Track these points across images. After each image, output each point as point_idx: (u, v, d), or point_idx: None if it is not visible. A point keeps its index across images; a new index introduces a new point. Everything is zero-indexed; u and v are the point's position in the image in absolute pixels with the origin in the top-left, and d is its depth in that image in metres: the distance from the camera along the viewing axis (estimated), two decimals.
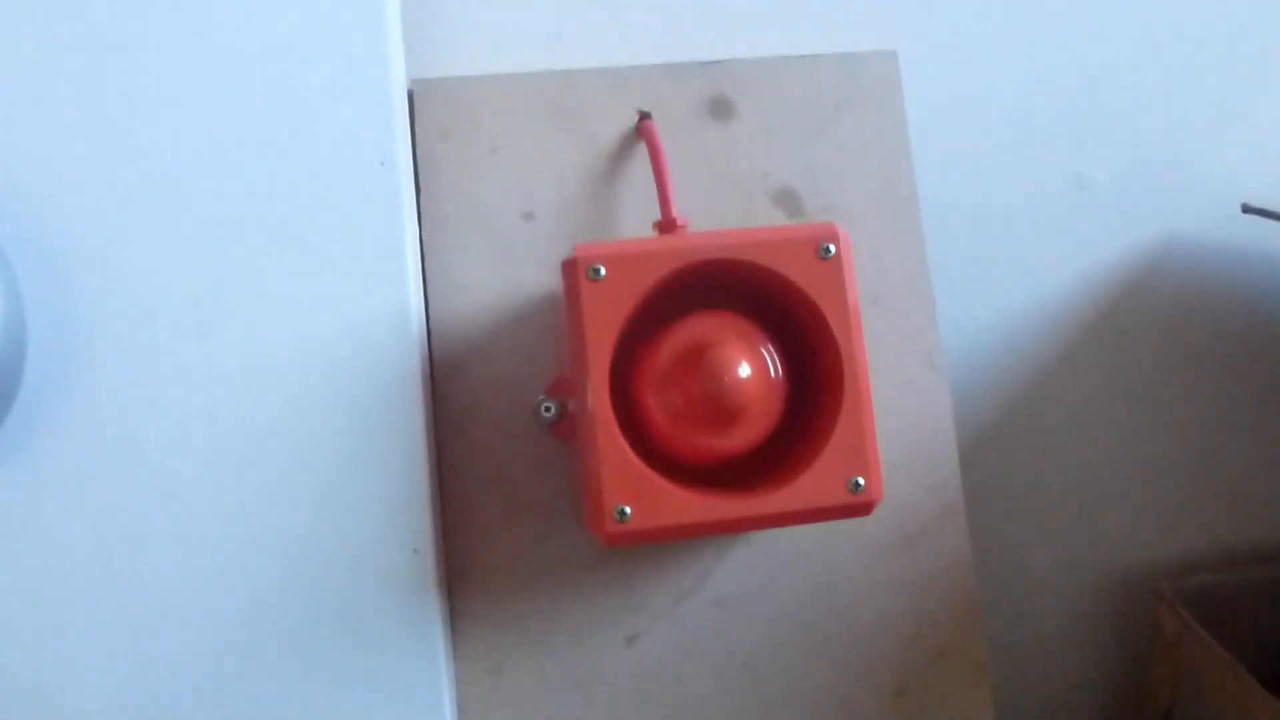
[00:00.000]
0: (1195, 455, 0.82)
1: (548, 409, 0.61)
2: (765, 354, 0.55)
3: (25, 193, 0.55)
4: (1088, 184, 0.77)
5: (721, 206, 0.67)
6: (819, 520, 0.53)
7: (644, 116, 0.66)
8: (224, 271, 0.55)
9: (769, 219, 0.67)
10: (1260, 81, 0.80)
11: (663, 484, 0.51)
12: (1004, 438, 0.79)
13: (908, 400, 0.67)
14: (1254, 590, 0.80)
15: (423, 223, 0.63)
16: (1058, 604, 0.83)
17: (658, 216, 0.62)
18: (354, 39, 0.57)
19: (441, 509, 0.61)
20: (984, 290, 0.77)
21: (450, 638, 0.61)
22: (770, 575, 0.65)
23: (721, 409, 0.52)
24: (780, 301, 0.55)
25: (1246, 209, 0.73)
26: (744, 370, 0.52)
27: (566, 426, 0.61)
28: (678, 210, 0.62)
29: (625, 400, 0.55)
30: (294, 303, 0.56)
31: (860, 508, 0.53)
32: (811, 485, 0.52)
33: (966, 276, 0.75)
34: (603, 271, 0.51)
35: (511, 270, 0.64)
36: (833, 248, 0.53)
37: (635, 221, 0.66)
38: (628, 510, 0.51)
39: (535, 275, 0.64)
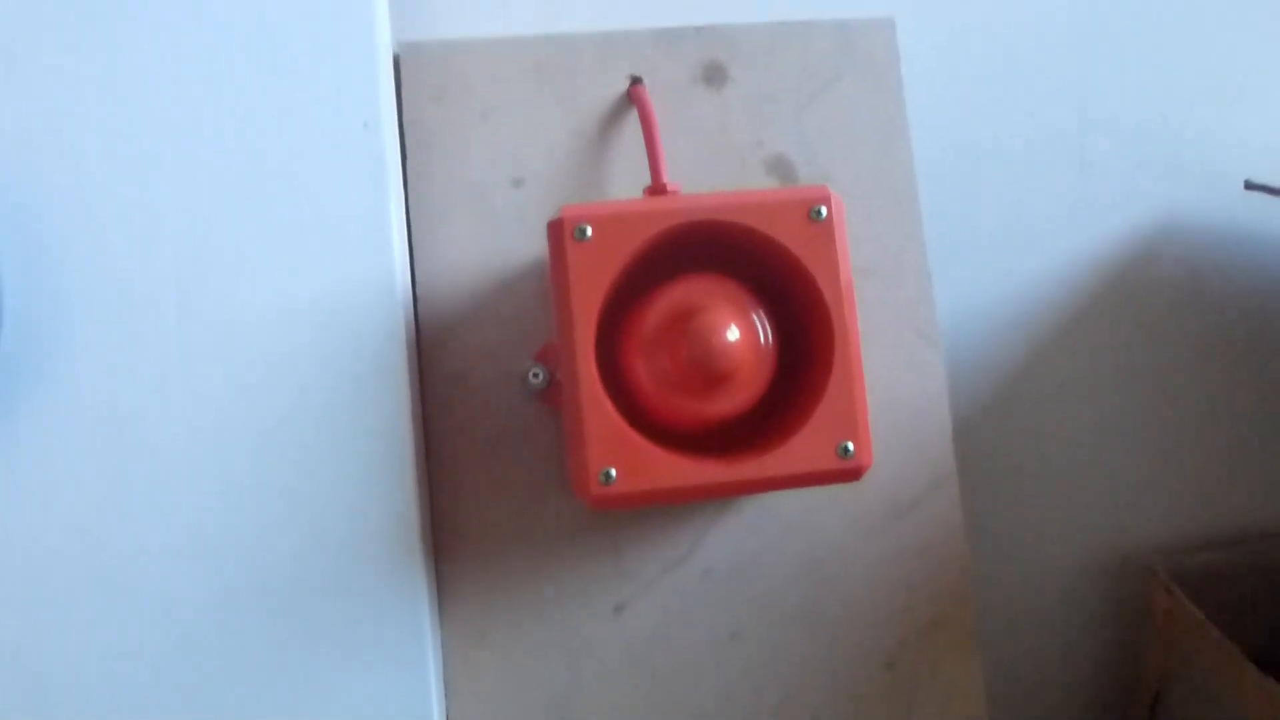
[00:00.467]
0: (1192, 434, 0.81)
1: (536, 376, 0.61)
2: (755, 318, 0.54)
3: (1, 157, 0.54)
4: (1089, 158, 0.76)
5: (714, 174, 0.66)
6: (808, 485, 0.53)
7: (635, 82, 0.66)
8: (203, 237, 0.54)
9: (762, 188, 0.66)
10: (1264, 57, 0.79)
11: (649, 447, 0.51)
12: (998, 413, 0.79)
13: (902, 372, 0.66)
14: (1247, 570, 0.80)
15: (409, 189, 0.63)
16: (1049, 581, 0.82)
17: (649, 183, 0.61)
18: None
19: (428, 477, 0.61)
20: (981, 264, 0.77)
21: (436, 605, 0.60)
22: (760, 546, 0.64)
23: (709, 373, 0.51)
24: (771, 265, 0.55)
25: (1249, 185, 0.73)
26: (732, 334, 0.51)
27: (555, 394, 0.60)
28: (669, 177, 0.61)
29: (612, 364, 0.54)
30: (276, 269, 0.55)
31: (849, 473, 0.52)
32: (800, 449, 0.52)
33: (964, 250, 0.75)
34: (589, 232, 0.51)
35: (500, 237, 0.64)
36: (824, 210, 0.52)
37: (626, 188, 0.65)
38: (613, 473, 0.50)
39: (524, 242, 0.64)
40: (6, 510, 0.53)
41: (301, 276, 0.56)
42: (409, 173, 0.63)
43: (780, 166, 0.67)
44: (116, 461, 0.54)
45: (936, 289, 0.67)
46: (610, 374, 0.55)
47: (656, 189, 0.60)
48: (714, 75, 0.67)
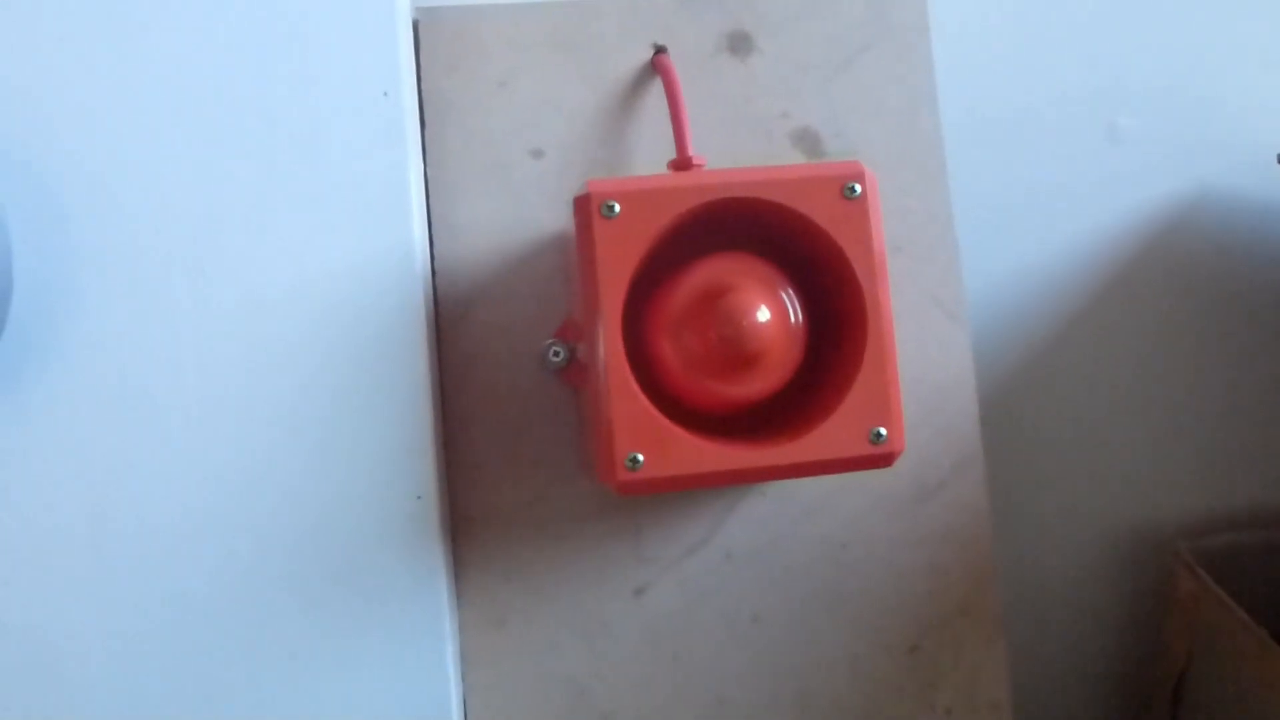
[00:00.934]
0: (1220, 412, 0.80)
1: (556, 354, 0.59)
2: (785, 298, 0.52)
3: (13, 124, 0.52)
4: (1120, 132, 0.74)
5: (739, 146, 0.64)
6: (838, 471, 0.51)
7: (659, 51, 0.64)
8: (219, 205, 0.53)
9: (788, 160, 0.64)
10: None
11: (677, 431, 0.49)
12: (1022, 391, 0.77)
13: (927, 350, 0.64)
14: (1273, 551, 0.79)
15: (427, 160, 0.61)
16: (1071, 562, 0.81)
17: (672, 155, 0.59)
18: None
19: (446, 456, 0.59)
20: (1007, 238, 0.75)
21: (454, 587, 0.59)
22: (783, 529, 0.63)
23: (738, 355, 0.50)
24: (801, 243, 0.53)
25: None
26: (762, 315, 0.50)
27: (575, 372, 0.59)
28: (694, 150, 0.59)
29: (638, 344, 0.53)
30: (292, 239, 0.53)
31: (881, 459, 0.51)
32: (831, 435, 0.50)
33: (991, 224, 0.73)
34: (617, 208, 0.49)
35: (519, 210, 0.62)
36: (858, 187, 0.51)
37: (649, 160, 0.63)
38: (640, 458, 0.49)
39: (544, 215, 0.62)
40: (19, 492, 0.52)
41: (319, 249, 0.54)
42: (427, 143, 0.61)
43: (807, 139, 0.65)
44: (129, 441, 0.53)
45: (962, 263, 0.65)
46: (635, 354, 0.53)
47: (681, 163, 0.58)
48: (739, 44, 0.65)
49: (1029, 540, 0.80)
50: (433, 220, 0.61)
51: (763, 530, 0.63)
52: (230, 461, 0.53)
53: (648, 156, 0.63)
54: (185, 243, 0.53)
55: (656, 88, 0.63)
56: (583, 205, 0.50)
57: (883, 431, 0.50)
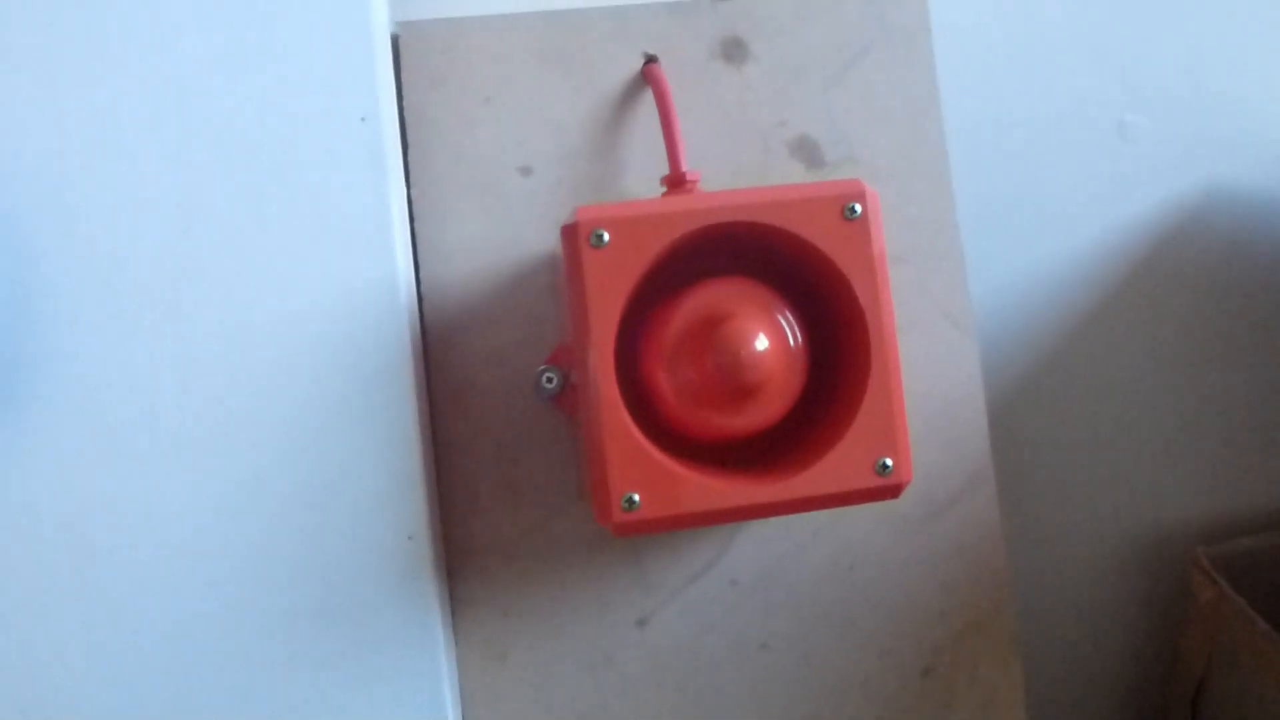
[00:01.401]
0: (1234, 414, 0.78)
1: (549, 380, 0.57)
2: (784, 323, 0.50)
3: None
4: (1129, 130, 0.72)
5: (735, 158, 0.62)
6: (844, 504, 0.49)
7: (650, 60, 0.61)
8: (194, 240, 0.51)
9: (786, 171, 0.62)
10: None
11: (675, 469, 0.47)
12: (1034, 398, 0.75)
13: (934, 364, 0.62)
14: None
15: (411, 180, 0.59)
16: (1089, 570, 0.79)
17: (665, 170, 0.57)
18: None
19: (439, 488, 0.58)
20: (1015, 243, 0.73)
21: (452, 624, 0.58)
22: (788, 552, 0.61)
23: (737, 385, 0.48)
24: (801, 264, 0.51)
25: None
26: (761, 343, 0.48)
27: (569, 398, 0.57)
28: (688, 163, 0.57)
29: (633, 374, 0.51)
30: (271, 273, 0.51)
31: (888, 490, 0.49)
32: (836, 468, 0.48)
33: (997, 229, 0.71)
34: (606, 237, 0.47)
35: (509, 229, 0.60)
36: (859, 207, 0.48)
37: (642, 175, 0.61)
38: (637, 498, 0.47)
39: (534, 234, 0.60)
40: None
41: (299, 282, 0.52)
42: (410, 163, 0.59)
43: (805, 148, 0.62)
44: (110, 479, 0.51)
45: (968, 270, 0.63)
46: (630, 383, 0.51)
47: (675, 178, 0.56)
48: (734, 51, 0.63)
49: (1044, 550, 0.78)
50: (418, 243, 0.59)
51: (768, 554, 0.61)
52: (210, 504, 0.51)
53: (641, 171, 0.61)
54: (162, 278, 0.51)
55: (648, 99, 0.61)
56: (570, 235, 0.47)
57: (889, 462, 0.48)
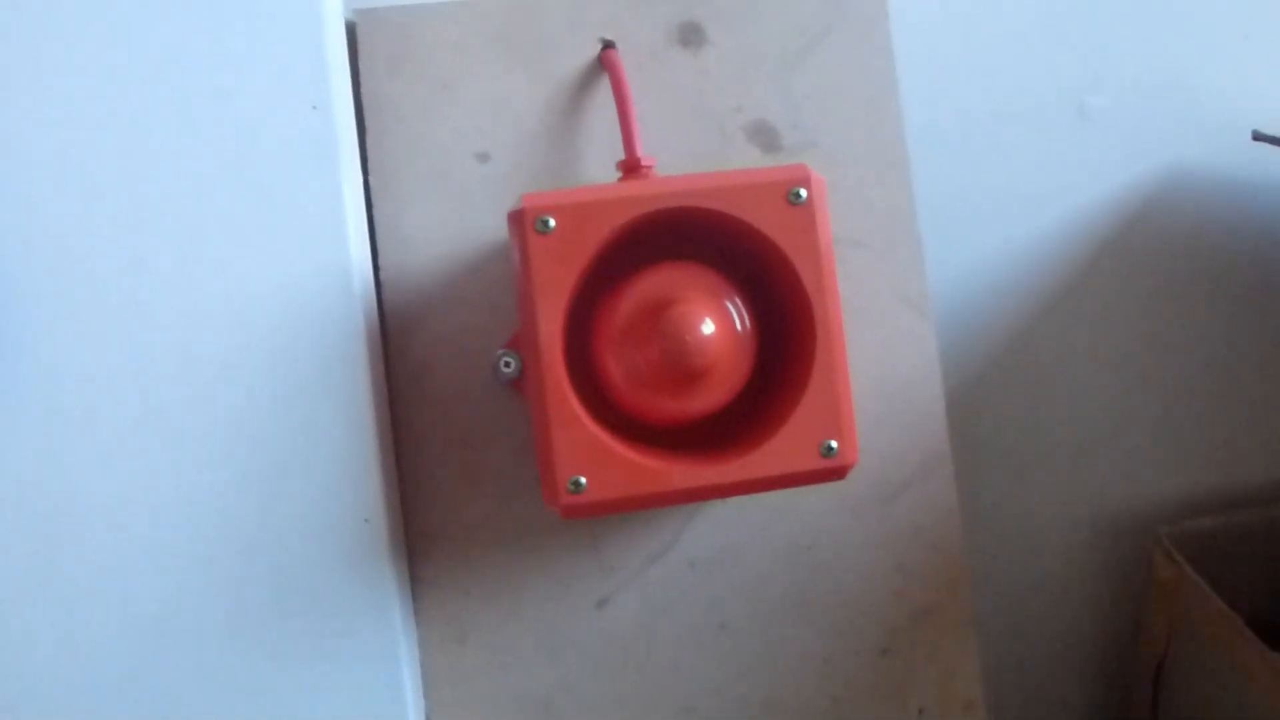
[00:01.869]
0: (1198, 395, 0.79)
1: (507, 364, 0.57)
2: (732, 308, 0.51)
3: None
4: (1090, 112, 0.72)
5: (692, 143, 0.62)
6: (790, 486, 0.50)
7: (607, 46, 0.61)
8: (145, 230, 0.51)
9: (743, 156, 0.62)
10: (1273, 4, 0.74)
11: (621, 452, 0.48)
12: (995, 382, 0.76)
13: (891, 347, 0.63)
14: (1253, 534, 0.78)
15: (370, 168, 0.59)
16: (1053, 549, 0.80)
17: (622, 155, 0.57)
18: None
19: (399, 472, 0.58)
20: (975, 226, 0.73)
21: (412, 606, 0.58)
22: (746, 534, 0.62)
23: (684, 370, 0.48)
24: (750, 248, 0.51)
25: (1258, 136, 0.69)
26: (708, 328, 0.48)
27: (527, 382, 0.57)
28: (644, 149, 0.57)
29: (582, 355, 0.51)
30: (224, 261, 0.52)
31: (833, 472, 0.49)
32: (781, 449, 0.49)
33: (956, 212, 0.71)
34: (552, 223, 0.47)
35: (467, 216, 0.60)
36: (804, 192, 0.49)
37: (599, 161, 0.61)
38: (583, 481, 0.47)
39: (492, 221, 0.60)
40: None
41: (251, 271, 0.53)
42: (368, 150, 0.59)
43: (763, 133, 0.63)
44: (63, 464, 0.52)
45: (927, 255, 0.63)
46: (580, 366, 0.52)
47: (630, 164, 0.56)
48: (690, 36, 0.63)
49: (1008, 530, 0.78)
50: (377, 230, 0.59)
51: (726, 536, 0.62)
52: (169, 491, 0.52)
53: (598, 157, 0.61)
54: (113, 268, 0.51)
55: (605, 85, 0.61)
56: (516, 221, 0.48)
57: (834, 444, 0.49)
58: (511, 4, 0.61)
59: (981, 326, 0.75)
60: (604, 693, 0.61)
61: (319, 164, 0.52)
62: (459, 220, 0.60)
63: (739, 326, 0.50)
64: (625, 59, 0.60)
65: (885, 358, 0.63)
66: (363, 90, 0.59)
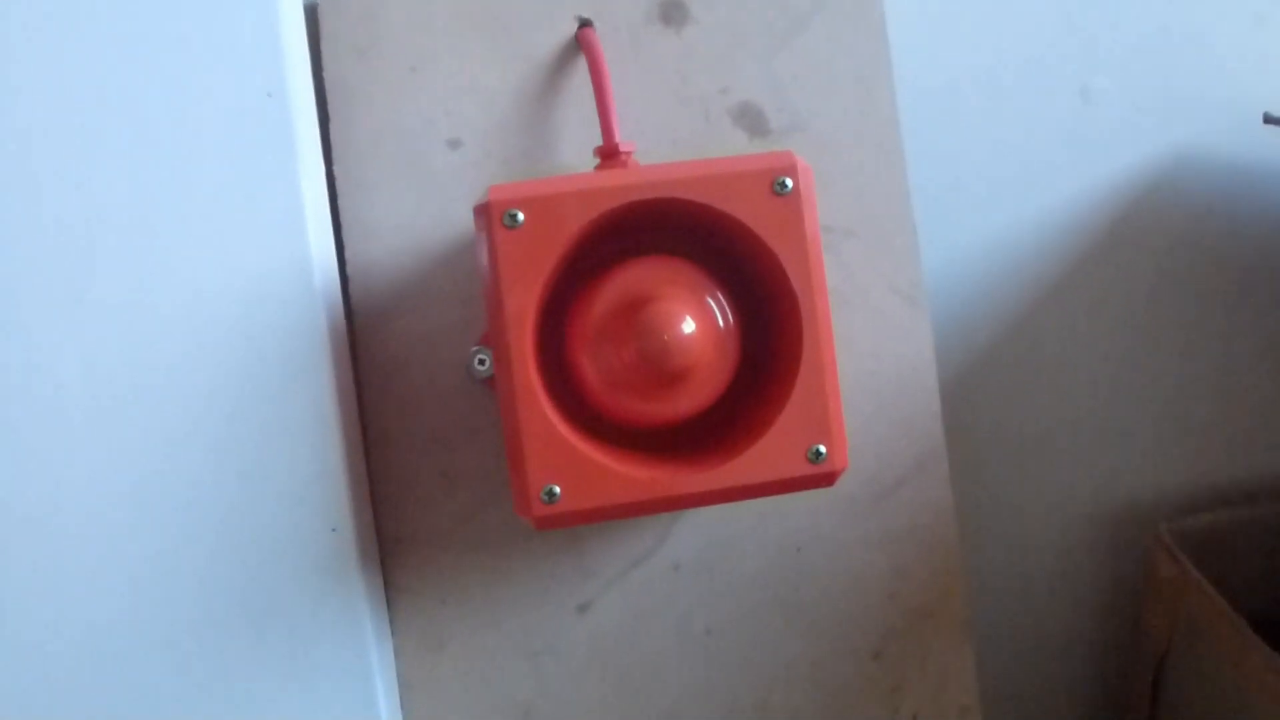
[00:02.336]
0: (1200, 388, 0.77)
1: (481, 361, 0.55)
2: (713, 304, 0.48)
3: None
4: (1093, 93, 0.69)
5: (674, 128, 0.59)
6: (776, 493, 0.47)
7: (584, 24, 0.58)
8: (93, 226, 0.48)
9: (729, 140, 0.59)
10: None
11: (596, 459, 0.45)
12: (991, 374, 0.74)
13: (884, 341, 0.60)
14: (1256, 529, 0.76)
15: (334, 156, 0.56)
16: (1053, 546, 0.79)
17: (602, 141, 0.54)
18: None
19: (370, 475, 0.56)
20: (971, 213, 0.70)
21: (385, 614, 0.56)
22: (734, 535, 0.59)
23: (663, 371, 0.46)
24: (733, 240, 0.49)
25: (1269, 119, 0.66)
26: (688, 326, 0.45)
27: (498, 385, 0.55)
28: (624, 134, 0.55)
29: (557, 354, 0.49)
30: (176, 259, 0.49)
31: (821, 479, 0.47)
32: (766, 455, 0.46)
33: (951, 199, 0.69)
34: (520, 218, 0.44)
35: (438, 205, 0.57)
36: (790, 182, 0.46)
37: (576, 147, 0.58)
38: (557, 490, 0.45)
39: (464, 210, 0.57)
40: None
41: (205, 268, 0.50)
42: (332, 137, 0.57)
43: (749, 116, 0.60)
44: (11, 478, 0.49)
45: (922, 242, 0.61)
46: (554, 365, 0.49)
47: (608, 151, 0.54)
48: (672, 13, 0.60)
49: (1006, 527, 0.76)
50: (343, 221, 0.56)
51: (712, 538, 0.59)
52: (120, 501, 0.49)
53: (576, 142, 0.58)
54: (60, 266, 0.48)
55: (583, 65, 0.58)
56: (483, 215, 0.45)
57: (822, 449, 0.46)
58: None
59: (978, 317, 0.73)
60: (586, 700, 0.59)
61: (275, 154, 0.49)
62: (429, 210, 0.57)
63: (721, 324, 0.48)
64: (604, 38, 0.58)
65: (877, 351, 0.60)
66: (325, 75, 0.57)
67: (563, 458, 0.45)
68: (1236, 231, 0.73)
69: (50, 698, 0.49)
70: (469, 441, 0.57)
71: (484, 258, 0.46)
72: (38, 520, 0.49)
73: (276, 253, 0.49)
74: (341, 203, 0.56)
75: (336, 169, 0.56)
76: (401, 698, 0.57)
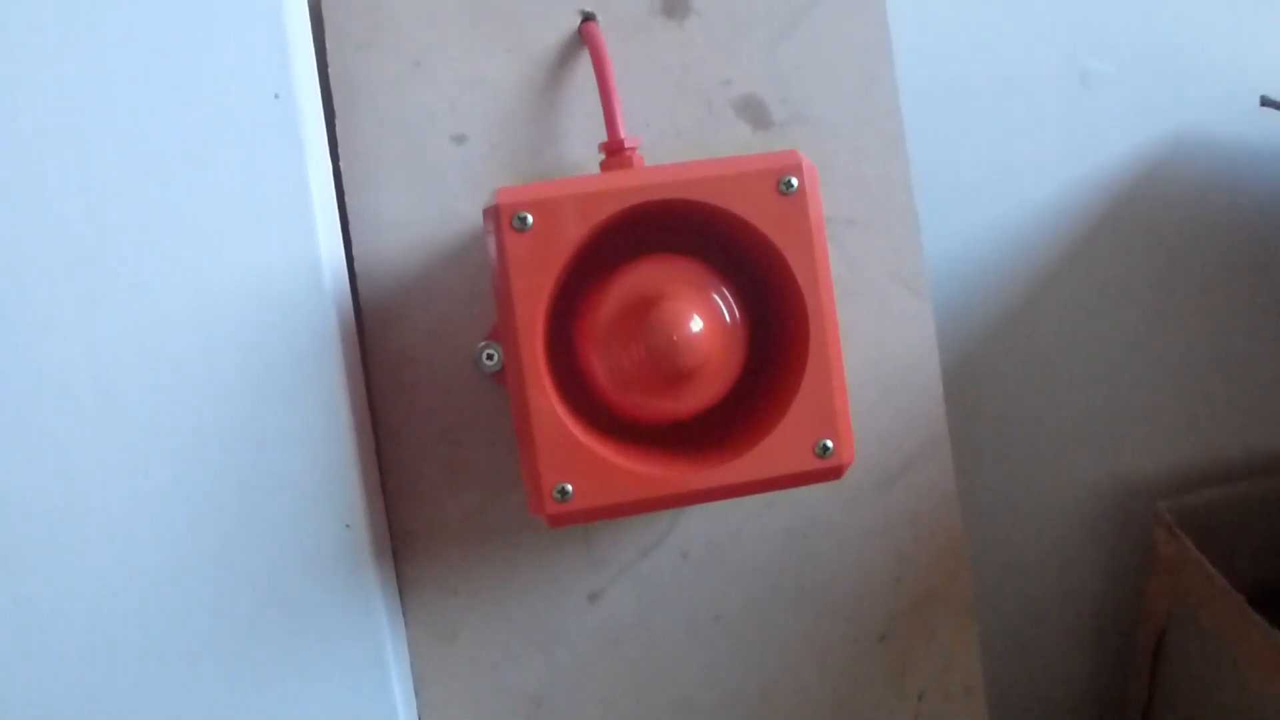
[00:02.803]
0: (1198, 367, 0.78)
1: (490, 356, 0.55)
2: (720, 301, 0.49)
3: None
4: (1093, 78, 0.70)
5: (678, 120, 0.59)
6: (784, 487, 0.48)
7: (587, 18, 0.59)
8: (104, 228, 0.48)
9: (732, 132, 0.60)
10: None
11: (608, 457, 0.46)
12: (994, 359, 0.75)
13: (886, 329, 0.61)
14: (1255, 504, 0.77)
15: (339, 153, 0.56)
16: (1054, 525, 0.80)
17: (606, 135, 0.55)
18: None
19: (381, 469, 0.56)
20: (973, 201, 0.71)
21: (399, 607, 0.57)
22: (740, 523, 0.60)
23: (672, 369, 0.46)
24: (739, 239, 0.49)
25: (1266, 102, 0.67)
26: (695, 326, 0.46)
27: (509, 387, 0.55)
28: (628, 127, 0.55)
29: (567, 352, 0.49)
30: (187, 259, 0.49)
31: (829, 472, 0.48)
32: (774, 451, 0.47)
33: (953, 187, 0.69)
34: (530, 220, 0.45)
35: (444, 200, 0.58)
36: (795, 181, 0.46)
37: (582, 140, 0.59)
38: (569, 488, 0.46)
39: (470, 205, 0.58)
40: None
41: (216, 268, 0.50)
42: (339, 134, 0.57)
43: (752, 108, 0.60)
44: (26, 477, 0.49)
45: (924, 231, 0.61)
46: (564, 363, 0.50)
47: (613, 146, 0.54)
48: (674, 6, 0.60)
49: (1008, 507, 0.78)
50: (350, 218, 0.57)
51: (720, 526, 0.60)
52: (134, 500, 0.50)
53: (580, 136, 0.59)
54: (71, 267, 0.49)
55: (587, 59, 0.58)
56: (492, 217, 0.45)
57: (829, 444, 0.47)
58: None
59: (979, 303, 0.74)
60: (597, 688, 0.60)
61: (283, 155, 0.49)
62: (435, 205, 0.58)
63: (728, 320, 0.48)
64: (607, 31, 0.58)
65: (881, 340, 0.61)
66: (331, 70, 0.57)
67: (574, 457, 0.45)
68: (1234, 214, 0.74)
69: (70, 691, 0.50)
70: (478, 435, 0.58)
71: (494, 259, 0.46)
72: (53, 518, 0.50)
73: (286, 252, 0.50)
74: (348, 199, 0.57)
75: (343, 165, 0.57)
76: (415, 688, 0.58)
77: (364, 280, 0.57)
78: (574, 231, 0.45)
